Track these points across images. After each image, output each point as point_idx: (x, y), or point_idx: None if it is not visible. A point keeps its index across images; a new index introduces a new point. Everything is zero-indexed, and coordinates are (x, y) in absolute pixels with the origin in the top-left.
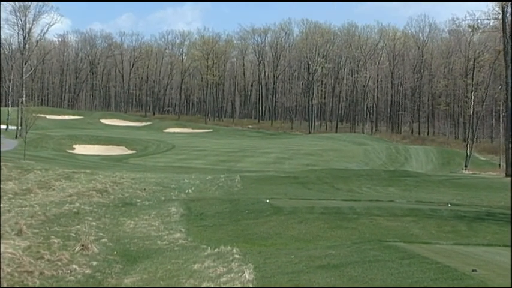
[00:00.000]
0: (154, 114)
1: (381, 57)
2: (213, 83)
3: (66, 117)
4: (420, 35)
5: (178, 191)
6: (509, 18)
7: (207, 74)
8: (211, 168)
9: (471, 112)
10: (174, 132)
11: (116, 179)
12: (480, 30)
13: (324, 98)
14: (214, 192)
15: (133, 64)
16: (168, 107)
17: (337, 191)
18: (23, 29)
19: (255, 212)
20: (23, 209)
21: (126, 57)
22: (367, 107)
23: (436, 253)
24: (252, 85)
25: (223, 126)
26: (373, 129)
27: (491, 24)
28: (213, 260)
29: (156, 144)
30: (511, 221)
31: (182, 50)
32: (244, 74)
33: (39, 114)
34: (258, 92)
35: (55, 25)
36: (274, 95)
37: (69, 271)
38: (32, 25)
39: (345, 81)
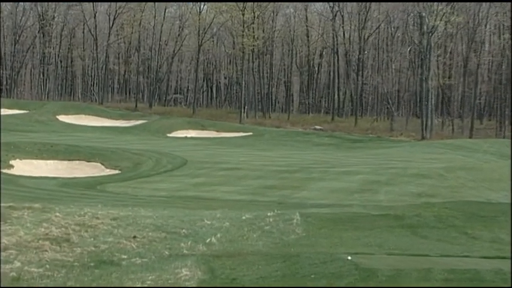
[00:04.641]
0: (151, 106)
1: None
2: (253, 51)
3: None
4: None
5: (193, 240)
6: None
7: (242, 37)
8: (251, 200)
9: None
10: (186, 138)
11: (85, 219)
12: None
13: (449, 77)
14: (255, 242)
15: (114, 20)
16: (176, 93)
17: (473, 240)
18: None
19: (327, 277)
20: None
21: (101, 7)
22: None
23: None
24: (321, 55)
25: (270, 127)
26: None
27: None
28: None
29: (155, 159)
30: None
31: None
32: (308, 36)
33: None
34: (331, 68)
35: None
36: (360, 73)
37: None
38: None
39: (486, 47)
